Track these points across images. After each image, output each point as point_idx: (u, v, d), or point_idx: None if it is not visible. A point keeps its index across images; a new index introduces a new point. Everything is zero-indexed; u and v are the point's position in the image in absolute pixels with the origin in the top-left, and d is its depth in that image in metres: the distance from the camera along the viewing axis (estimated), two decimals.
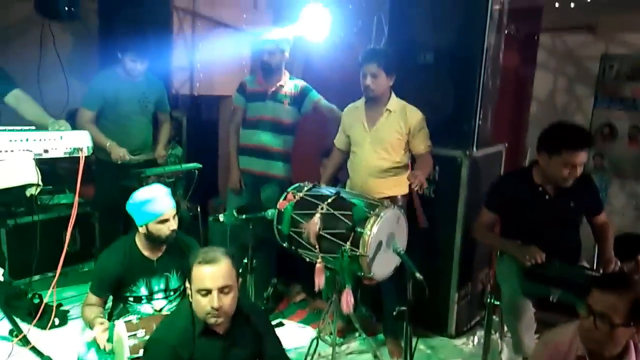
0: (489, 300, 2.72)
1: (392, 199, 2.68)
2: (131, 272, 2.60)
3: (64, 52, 4.44)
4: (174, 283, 2.73)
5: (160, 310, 2.66)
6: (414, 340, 2.22)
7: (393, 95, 2.83)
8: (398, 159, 2.80)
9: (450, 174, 3.03)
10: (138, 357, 2.29)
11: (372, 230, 2.41)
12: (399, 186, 2.80)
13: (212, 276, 1.80)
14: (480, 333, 3.12)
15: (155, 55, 3.63)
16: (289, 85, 3.47)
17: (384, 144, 2.79)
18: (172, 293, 2.73)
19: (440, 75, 3.11)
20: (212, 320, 1.82)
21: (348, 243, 2.43)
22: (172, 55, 4.69)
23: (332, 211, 2.57)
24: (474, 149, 3.06)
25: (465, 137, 3.05)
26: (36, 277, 3.54)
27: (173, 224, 2.59)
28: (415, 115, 2.79)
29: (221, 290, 1.81)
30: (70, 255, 3.55)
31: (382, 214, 2.46)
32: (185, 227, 2.89)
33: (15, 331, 2.76)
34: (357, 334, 2.91)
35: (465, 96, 3.05)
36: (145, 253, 2.65)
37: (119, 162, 3.34)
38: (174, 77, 4.74)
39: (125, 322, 2.37)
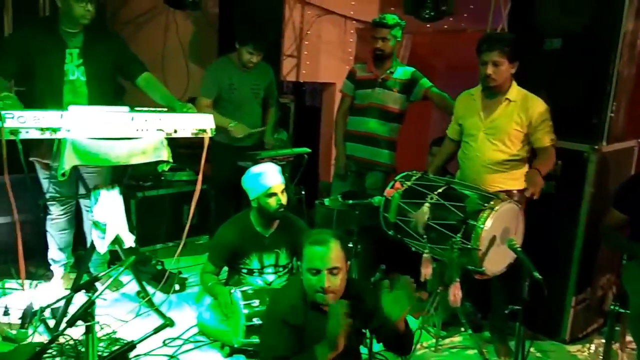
0: (612, 307, 2.51)
1: (508, 193, 2.55)
2: (245, 245, 2.78)
3: (185, 40, 4.78)
4: (283, 259, 2.87)
5: (270, 284, 2.81)
6: (526, 343, 2.13)
7: (514, 83, 2.68)
8: (515, 152, 2.66)
9: (575, 170, 2.81)
10: (252, 325, 2.45)
11: (486, 224, 2.33)
12: (515, 180, 2.66)
13: (322, 257, 1.86)
14: (598, 341, 2.90)
15: (268, 45, 3.76)
16: (399, 72, 3.43)
17: (500, 135, 2.65)
18: (281, 269, 2.88)
19: (568, 62, 2.88)
20: (320, 299, 1.88)
21: (459, 235, 2.37)
22: (281, 43, 4.87)
23: (442, 201, 2.52)
24: (604, 143, 2.81)
25: (594, 131, 2.80)
26: (158, 246, 3.89)
27: (281, 199, 2.74)
28: (537, 106, 2.62)
29: (330, 271, 1.87)
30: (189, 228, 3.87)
31: (497, 207, 2.36)
32: (291, 210, 3.01)
33: (142, 293, 3.06)
34: (461, 329, 2.84)
35: (596, 86, 2.80)
36: (259, 229, 2.82)
37: (236, 144, 3.55)
38: (282, 64, 4.92)
39: (241, 291, 2.55)
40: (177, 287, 3.26)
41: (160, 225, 3.85)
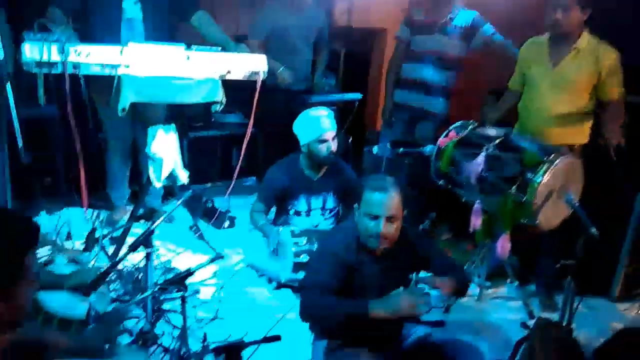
0: None
1: (569, 147, 2.45)
2: (294, 187, 2.83)
3: None
4: (330, 203, 2.91)
5: (317, 226, 2.87)
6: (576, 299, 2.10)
7: (585, 31, 2.51)
8: (582, 105, 2.52)
9: None
10: (299, 262, 2.53)
11: (544, 178, 2.26)
12: (578, 134, 2.55)
13: (382, 204, 1.86)
14: None
15: None
16: (460, 17, 3.27)
17: (567, 86, 2.52)
18: (327, 212, 2.92)
19: None
20: (374, 244, 1.90)
21: (514, 188, 2.32)
22: None
23: (498, 153, 2.45)
24: None
25: None
26: (208, 185, 4.00)
27: (332, 145, 2.74)
28: (609, 56, 2.46)
29: (388, 218, 1.87)
30: (234, 169, 3.95)
31: (557, 161, 2.28)
32: (340, 156, 3.01)
33: (194, 228, 3.19)
34: (508, 281, 2.84)
35: None
36: (307, 172, 2.85)
37: (286, 88, 3.54)
38: (334, 8, 4.77)
39: (290, 229, 2.62)
40: (226, 224, 3.37)
41: (210, 165, 3.96)
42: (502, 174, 2.40)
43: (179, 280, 1.93)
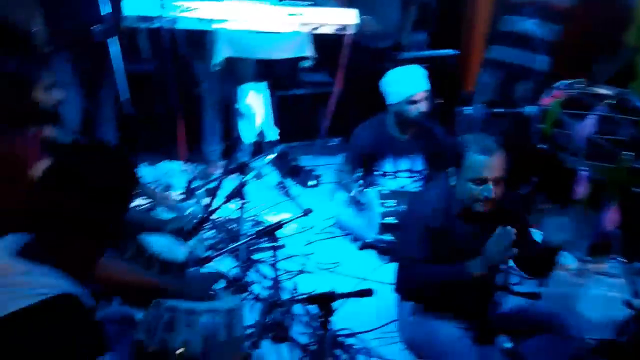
0: None
1: None
2: (381, 148, 2.77)
3: None
4: (419, 165, 2.83)
5: (404, 187, 2.81)
6: None
7: None
8: None
9: None
10: (386, 223, 2.50)
11: None
12: None
13: (490, 166, 1.76)
14: None
15: None
16: None
17: None
18: (415, 174, 2.85)
19: None
20: (478, 208, 1.81)
21: (631, 153, 2.10)
22: None
23: (613, 114, 2.22)
24: None
25: None
26: (294, 143, 4.04)
27: (422, 106, 2.62)
28: None
29: (495, 181, 1.77)
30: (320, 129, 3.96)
31: None
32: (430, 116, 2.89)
33: (281, 185, 3.26)
34: (611, 256, 2.62)
35: None
36: (395, 133, 2.77)
37: (374, 45, 3.43)
38: None
39: (377, 190, 2.59)
40: (312, 182, 3.41)
41: (296, 124, 3.99)
42: (615, 137, 2.18)
43: (270, 232, 1.98)
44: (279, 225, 1.97)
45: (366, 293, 1.45)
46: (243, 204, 2.22)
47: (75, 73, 2.70)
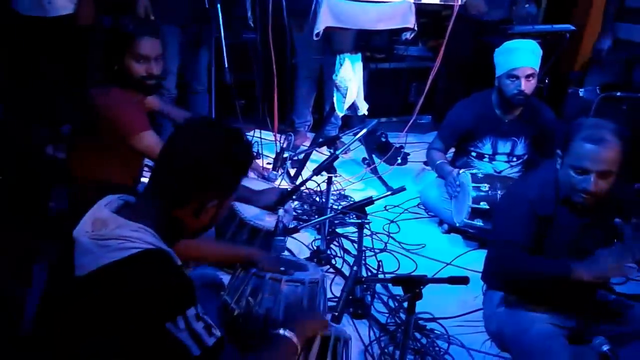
0: None
1: None
2: (480, 127, 2.61)
3: None
4: (520, 149, 2.65)
5: (501, 172, 2.65)
6: None
7: None
8: None
9: None
10: (478, 208, 2.38)
11: None
12: None
13: (595, 158, 1.58)
14: None
15: None
16: None
17: None
18: (515, 159, 2.67)
19: None
20: (578, 199, 1.66)
21: None
22: None
23: None
24: None
25: None
26: (383, 119, 3.96)
27: (525, 84, 2.41)
28: None
29: (600, 174, 1.60)
30: (411, 105, 3.83)
31: None
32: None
33: (368, 160, 3.21)
34: None
35: None
36: (498, 112, 2.60)
37: (477, 17, 3.23)
38: None
39: (470, 173, 2.46)
40: (399, 160, 3.33)
41: (386, 98, 3.89)
42: None
43: (359, 207, 1.95)
44: (370, 201, 1.94)
45: (461, 281, 1.37)
46: (330, 177, 2.21)
47: (179, 43, 2.80)
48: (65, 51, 2.83)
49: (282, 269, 1.50)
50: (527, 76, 2.42)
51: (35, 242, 1.99)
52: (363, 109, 2.93)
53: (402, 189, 1.98)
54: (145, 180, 2.16)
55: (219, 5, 2.49)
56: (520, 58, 2.42)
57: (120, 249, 1.04)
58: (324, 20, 2.43)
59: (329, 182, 2.21)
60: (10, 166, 2.19)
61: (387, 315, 1.99)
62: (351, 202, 2.75)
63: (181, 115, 2.29)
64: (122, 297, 1.03)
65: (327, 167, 2.14)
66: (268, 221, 2.08)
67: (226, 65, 2.55)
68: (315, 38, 2.47)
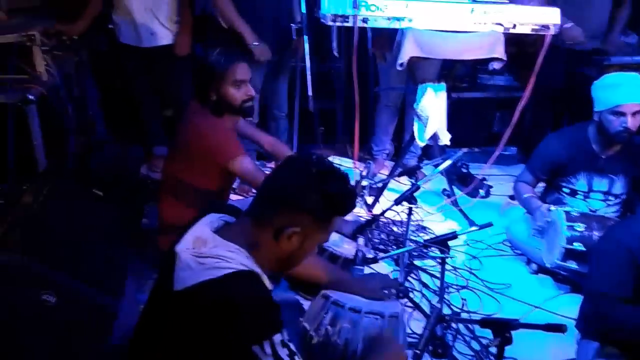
0: None
1: None
2: (575, 162, 2.45)
3: None
4: (618, 188, 2.45)
5: (596, 211, 2.46)
6: None
7: None
8: None
9: None
10: (572, 249, 2.21)
11: None
12: None
13: None
14: None
15: None
16: None
17: None
18: (612, 198, 2.47)
19: None
20: None
21: None
22: None
23: None
24: None
25: None
26: (464, 149, 3.82)
27: (631, 122, 2.24)
28: None
29: None
30: (497, 135, 3.69)
31: None
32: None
33: (448, 191, 3.11)
34: None
35: None
36: (595, 147, 2.43)
37: (570, 46, 3.07)
38: None
39: (564, 210, 2.30)
40: (482, 193, 3.19)
41: (469, 128, 3.77)
42: None
43: (442, 242, 1.88)
44: (454, 235, 1.86)
45: (557, 329, 1.27)
46: (411, 208, 2.15)
47: (264, 73, 2.90)
48: (162, 78, 3.05)
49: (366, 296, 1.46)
50: (634, 113, 2.25)
51: (127, 255, 2.12)
52: (445, 139, 2.86)
53: (489, 224, 1.89)
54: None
55: (305, 37, 2.56)
56: (626, 94, 2.25)
57: (216, 268, 1.08)
58: (408, 51, 2.42)
59: (410, 213, 2.16)
60: (109, 184, 2.35)
61: (470, 357, 1.88)
62: (432, 236, 2.67)
63: (264, 137, 2.37)
64: (213, 315, 1.05)
65: (408, 197, 2.10)
66: (346, 249, 2.05)
67: (310, 94, 2.60)
68: (399, 68, 2.46)
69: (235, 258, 1.10)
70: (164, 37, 2.91)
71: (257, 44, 2.67)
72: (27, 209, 1.84)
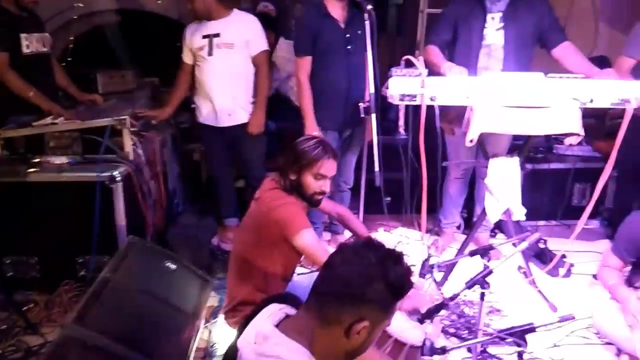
0: None
1: None
2: None
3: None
4: None
5: None
6: None
7: None
8: None
9: None
10: None
11: None
12: None
13: None
14: None
15: None
16: None
17: None
18: None
19: None
20: None
21: None
22: None
23: None
24: None
25: None
26: (540, 222, 3.63)
27: None
28: None
29: None
30: (576, 208, 3.48)
31: None
32: None
33: (525, 269, 2.92)
34: None
35: None
36: None
37: None
38: None
39: None
40: (563, 272, 2.97)
41: (546, 201, 3.59)
42: None
43: (520, 334, 1.74)
44: (532, 328, 1.72)
45: None
46: (483, 294, 2.03)
47: (337, 147, 2.97)
48: (237, 152, 3.22)
49: None
50: None
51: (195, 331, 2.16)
52: (519, 214, 2.73)
53: (571, 317, 1.74)
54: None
55: (373, 115, 2.62)
56: None
57: None
58: (478, 127, 2.39)
59: (482, 298, 2.04)
60: (183, 255, 2.45)
61: None
62: (507, 321, 2.49)
63: (333, 207, 2.39)
64: None
65: (481, 281, 1.99)
66: (413, 334, 1.96)
67: (377, 169, 2.61)
68: (469, 145, 2.42)
69: (293, 357, 1.08)
70: (241, 116, 3.10)
71: (317, 133, 2.77)
72: (104, 283, 1.95)
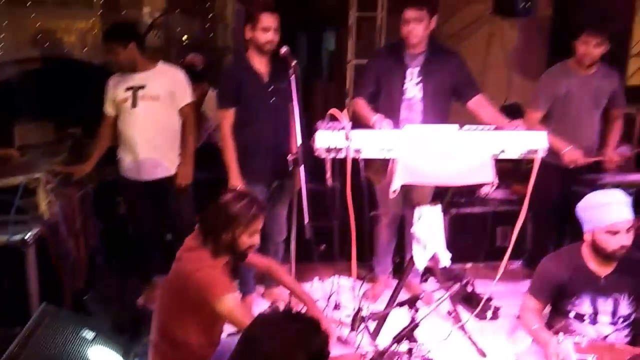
0: None
1: None
2: (574, 284, 2.37)
3: (509, 49, 4.54)
4: (624, 309, 2.34)
5: (606, 337, 2.33)
6: None
7: None
8: None
9: None
10: None
11: None
12: None
13: None
14: None
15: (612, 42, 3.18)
16: None
17: None
18: (620, 320, 2.35)
19: None
20: None
21: None
22: (629, 39, 4.09)
23: None
24: None
25: None
26: (467, 265, 3.76)
27: (624, 240, 2.22)
28: None
29: None
30: (499, 250, 3.64)
31: None
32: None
33: (454, 314, 3.00)
34: None
35: None
36: (591, 266, 2.36)
37: (571, 167, 3.15)
38: (628, 64, 4.12)
39: (572, 341, 2.18)
40: (489, 314, 3.07)
41: (470, 244, 3.74)
42: None
43: None
44: None
45: None
46: (411, 349, 2.05)
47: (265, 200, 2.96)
48: (163, 206, 3.12)
49: None
50: (627, 229, 2.24)
51: None
52: (445, 260, 2.82)
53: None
54: None
55: (302, 168, 2.65)
56: (618, 211, 2.25)
57: None
58: (400, 178, 2.48)
59: (409, 353, 2.06)
60: (104, 321, 2.30)
61: None
62: None
63: (259, 260, 2.35)
64: None
65: (408, 335, 2.01)
66: None
67: (306, 221, 2.62)
68: (392, 195, 2.51)
69: None
70: (166, 169, 3.04)
71: (240, 186, 2.77)
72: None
